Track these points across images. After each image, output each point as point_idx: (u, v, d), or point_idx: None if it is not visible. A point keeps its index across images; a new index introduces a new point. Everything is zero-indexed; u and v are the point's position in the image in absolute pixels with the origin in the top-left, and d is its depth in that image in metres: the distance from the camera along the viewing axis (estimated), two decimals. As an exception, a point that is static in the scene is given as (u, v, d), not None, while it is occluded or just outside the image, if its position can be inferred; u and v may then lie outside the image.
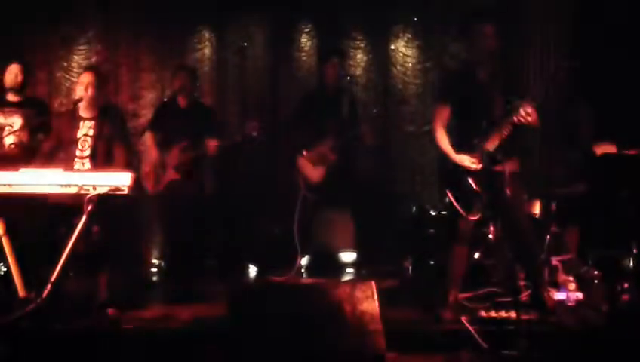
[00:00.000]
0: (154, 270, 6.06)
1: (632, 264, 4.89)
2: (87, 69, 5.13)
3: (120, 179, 4.32)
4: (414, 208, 6.49)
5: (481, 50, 4.52)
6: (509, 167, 4.34)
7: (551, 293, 4.76)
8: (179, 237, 5.90)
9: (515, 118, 4.33)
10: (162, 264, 6.13)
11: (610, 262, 5.01)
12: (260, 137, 5.54)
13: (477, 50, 4.54)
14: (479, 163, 4.48)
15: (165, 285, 5.73)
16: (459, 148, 4.58)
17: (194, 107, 6.14)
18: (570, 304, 4.83)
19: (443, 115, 4.71)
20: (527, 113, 4.31)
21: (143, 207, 5.92)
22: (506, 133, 4.40)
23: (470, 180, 4.50)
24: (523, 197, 4.71)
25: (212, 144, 5.69)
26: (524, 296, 4.97)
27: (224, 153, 5.87)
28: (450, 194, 4.56)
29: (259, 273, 6.13)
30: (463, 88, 4.55)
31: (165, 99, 6.84)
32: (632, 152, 5.17)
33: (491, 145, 4.43)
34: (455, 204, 4.54)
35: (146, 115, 7.12)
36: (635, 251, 5.00)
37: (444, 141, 4.64)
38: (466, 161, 4.53)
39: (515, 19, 6.82)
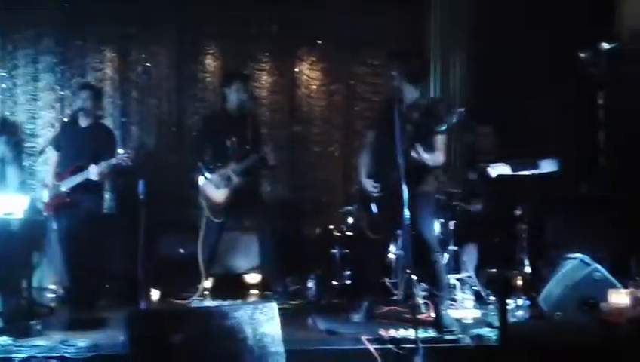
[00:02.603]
0: (51, 296, 5.86)
1: (521, 282, 5.08)
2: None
3: (14, 202, 4.19)
4: (318, 229, 6.54)
5: (395, 88, 4.72)
6: (416, 190, 4.57)
7: (449, 311, 4.89)
8: (76, 261, 5.75)
9: (412, 152, 4.48)
10: (60, 289, 5.94)
11: (502, 280, 5.20)
12: (132, 166, 5.45)
13: (392, 87, 4.74)
14: (380, 189, 4.72)
15: (63, 311, 5.54)
16: (374, 172, 4.86)
17: (94, 128, 6.03)
18: (466, 322, 4.96)
19: (368, 139, 5.06)
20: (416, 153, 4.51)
21: (40, 230, 5.75)
22: (405, 162, 4.50)
23: (374, 204, 4.70)
24: (428, 218, 4.88)
25: (93, 171, 5.61)
26: (424, 314, 5.12)
27: (125, 173, 5.78)
28: (362, 214, 4.81)
29: (161, 297, 6.03)
30: (387, 117, 4.67)
31: (66, 119, 6.70)
32: (525, 173, 5.40)
33: (395, 171, 4.57)
34: (364, 223, 4.81)
35: (45, 135, 6.95)
36: (527, 269, 5.20)
37: (361, 164, 4.98)
38: (369, 185, 4.82)
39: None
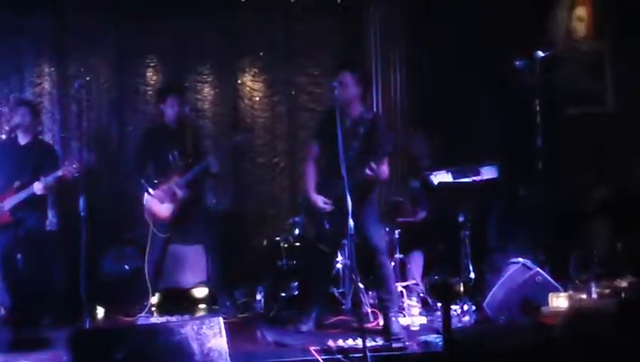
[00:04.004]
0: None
1: (463, 288, 5.16)
2: None
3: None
4: (265, 241, 6.52)
5: (341, 98, 4.74)
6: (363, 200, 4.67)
7: (397, 319, 4.94)
8: (17, 280, 5.62)
9: (366, 168, 4.59)
10: (0, 309, 5.79)
11: (444, 286, 5.27)
12: (80, 177, 5.37)
13: (338, 97, 4.75)
14: (331, 205, 4.83)
15: (4, 332, 5.40)
16: (322, 184, 4.94)
17: (35, 144, 5.94)
18: (414, 329, 5.02)
19: (312, 151, 5.09)
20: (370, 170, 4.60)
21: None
22: (357, 177, 4.60)
23: (325, 220, 4.78)
24: (375, 224, 4.96)
25: (38, 186, 5.53)
26: (372, 323, 5.16)
27: (66, 189, 5.68)
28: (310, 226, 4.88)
29: (107, 314, 5.93)
30: (330, 129, 4.69)
31: (3, 136, 6.56)
32: (466, 180, 5.50)
33: (341, 182, 4.62)
34: (313, 234, 4.98)
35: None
36: (472, 274, 5.28)
37: (308, 178, 5.01)
38: (320, 202, 4.88)
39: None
